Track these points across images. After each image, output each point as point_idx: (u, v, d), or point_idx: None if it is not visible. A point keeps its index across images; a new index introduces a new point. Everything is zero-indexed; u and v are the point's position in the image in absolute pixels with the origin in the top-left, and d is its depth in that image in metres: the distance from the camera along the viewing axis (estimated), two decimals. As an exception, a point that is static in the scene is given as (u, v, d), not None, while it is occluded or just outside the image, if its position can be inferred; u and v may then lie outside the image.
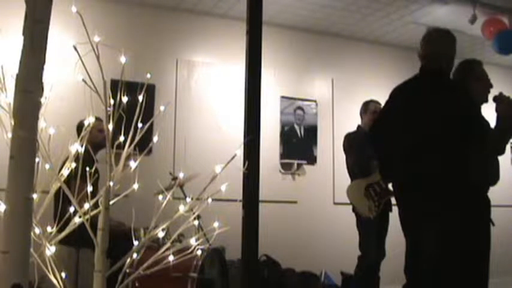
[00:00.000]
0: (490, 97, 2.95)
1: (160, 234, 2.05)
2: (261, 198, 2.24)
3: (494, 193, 2.95)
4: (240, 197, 2.21)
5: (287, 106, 5.99)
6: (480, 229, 2.75)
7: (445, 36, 2.98)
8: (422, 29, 5.71)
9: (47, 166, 2.02)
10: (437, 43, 2.95)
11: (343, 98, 6.19)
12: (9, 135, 1.62)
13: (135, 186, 2.14)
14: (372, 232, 4.06)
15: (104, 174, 2.00)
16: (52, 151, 2.04)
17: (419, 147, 2.79)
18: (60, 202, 2.02)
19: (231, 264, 4.28)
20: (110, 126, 1.95)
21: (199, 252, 2.21)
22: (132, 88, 2.03)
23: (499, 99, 2.86)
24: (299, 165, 5.92)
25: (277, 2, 5.39)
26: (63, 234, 2.06)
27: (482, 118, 2.94)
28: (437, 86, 2.86)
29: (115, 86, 1.98)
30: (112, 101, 1.97)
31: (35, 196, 1.66)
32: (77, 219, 2.04)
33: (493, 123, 2.89)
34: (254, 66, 2.31)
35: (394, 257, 3.60)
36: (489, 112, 2.92)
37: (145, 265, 2.05)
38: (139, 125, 2.11)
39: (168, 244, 2.13)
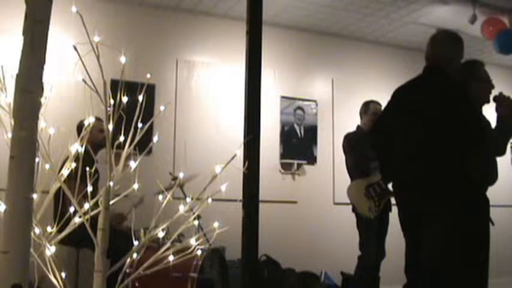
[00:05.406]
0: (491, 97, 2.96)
1: (160, 234, 2.05)
2: (261, 198, 2.24)
3: (494, 193, 2.95)
4: (240, 197, 2.21)
5: (287, 106, 5.99)
6: (479, 229, 2.75)
7: (448, 37, 2.98)
8: (422, 29, 5.80)
9: (47, 166, 2.02)
10: (439, 44, 2.95)
11: (343, 98, 6.20)
12: (9, 135, 1.62)
13: (135, 186, 2.14)
14: (372, 232, 4.06)
15: (104, 174, 2.00)
16: (52, 151, 2.04)
17: (419, 147, 2.79)
18: (60, 202, 2.02)
19: (231, 264, 4.28)
20: (110, 126, 1.95)
21: (199, 252, 2.21)
22: (132, 88, 2.03)
23: (499, 100, 2.86)
24: (299, 165, 5.92)
25: (277, 2, 5.38)
26: (63, 234, 2.06)
27: (483, 118, 2.94)
28: (437, 86, 2.86)
29: (115, 86, 1.98)
30: (112, 101, 1.97)
31: (35, 196, 1.66)
32: (77, 219, 2.04)
33: (493, 123, 2.89)
34: (254, 66, 2.30)
35: (394, 257, 3.60)
36: (489, 112, 2.92)
37: (145, 265, 2.06)
38: (139, 125, 2.11)
39: (168, 244, 2.13)
